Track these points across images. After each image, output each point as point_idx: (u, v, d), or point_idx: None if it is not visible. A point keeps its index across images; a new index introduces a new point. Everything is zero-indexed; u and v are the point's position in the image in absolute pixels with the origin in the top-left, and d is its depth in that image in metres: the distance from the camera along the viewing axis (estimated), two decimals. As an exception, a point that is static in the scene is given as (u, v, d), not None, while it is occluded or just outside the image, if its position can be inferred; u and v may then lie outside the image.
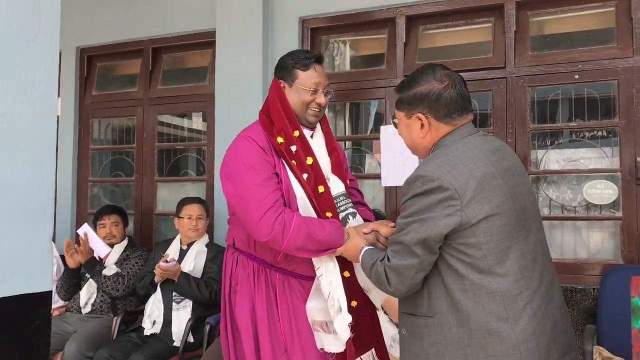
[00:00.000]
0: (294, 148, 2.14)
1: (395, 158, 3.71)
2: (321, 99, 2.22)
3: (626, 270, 3.07)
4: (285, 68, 2.23)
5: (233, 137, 4.03)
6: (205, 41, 4.34)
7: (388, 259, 1.73)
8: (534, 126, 3.45)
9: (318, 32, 4.04)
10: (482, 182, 1.64)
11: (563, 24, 3.49)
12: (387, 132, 3.77)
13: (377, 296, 2.21)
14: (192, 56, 4.56)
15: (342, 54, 4.09)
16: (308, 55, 2.23)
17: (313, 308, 2.13)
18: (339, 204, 2.19)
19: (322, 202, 2.12)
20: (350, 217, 2.20)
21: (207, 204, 3.81)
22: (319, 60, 2.24)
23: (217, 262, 3.63)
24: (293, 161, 2.12)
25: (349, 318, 2.04)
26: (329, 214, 2.12)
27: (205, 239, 3.77)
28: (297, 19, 3.98)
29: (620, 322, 2.94)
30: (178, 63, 4.63)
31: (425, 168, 1.67)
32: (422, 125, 1.78)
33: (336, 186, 2.22)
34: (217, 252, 3.69)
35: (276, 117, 2.17)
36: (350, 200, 2.25)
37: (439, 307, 1.67)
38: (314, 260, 2.10)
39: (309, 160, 2.15)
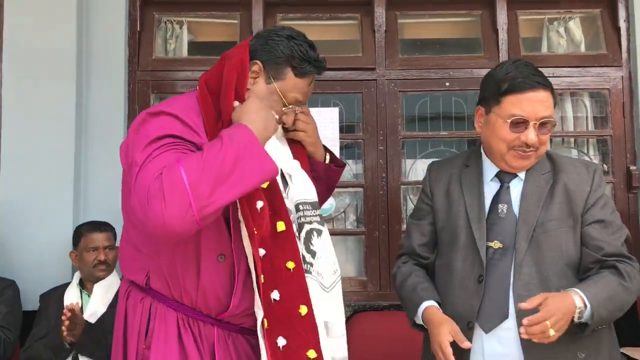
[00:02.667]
0: None
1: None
2: (290, 118, 1.59)
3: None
4: (275, 55, 1.52)
5: (31, 126, 3.06)
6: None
7: (628, 258, 1.66)
8: (405, 134, 3.25)
9: (149, 7, 3.29)
10: None
11: (431, 29, 3.42)
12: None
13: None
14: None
15: (179, 37, 3.39)
16: (316, 56, 1.55)
17: None
18: (304, 214, 1.55)
19: (282, 245, 1.48)
20: (315, 234, 1.56)
21: None
22: (321, 71, 1.59)
23: (4, 301, 2.77)
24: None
25: None
26: (290, 265, 1.47)
27: (-21, 272, 2.83)
28: (123, -14, 3.21)
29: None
30: None
31: None
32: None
33: (301, 186, 1.57)
34: (4, 287, 2.81)
35: (225, 104, 1.47)
36: (318, 212, 1.59)
37: None
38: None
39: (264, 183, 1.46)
